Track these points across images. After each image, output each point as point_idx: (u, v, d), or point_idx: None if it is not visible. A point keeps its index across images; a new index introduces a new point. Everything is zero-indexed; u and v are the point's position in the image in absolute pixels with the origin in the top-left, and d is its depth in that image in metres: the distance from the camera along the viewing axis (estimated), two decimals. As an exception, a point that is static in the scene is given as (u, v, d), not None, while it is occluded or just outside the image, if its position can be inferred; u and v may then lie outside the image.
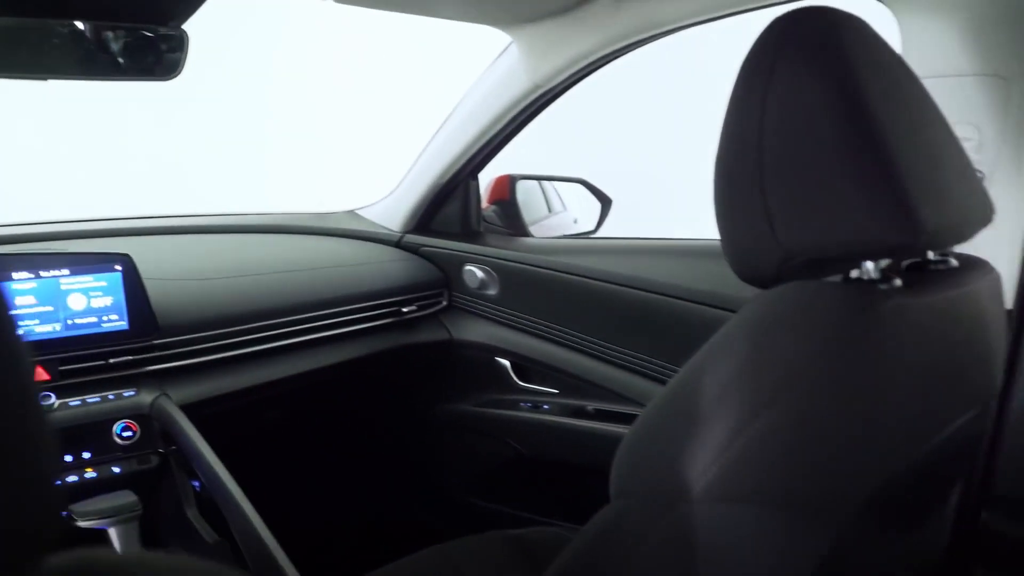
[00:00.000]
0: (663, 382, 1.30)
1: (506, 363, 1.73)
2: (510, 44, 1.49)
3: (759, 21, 0.70)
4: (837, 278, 0.67)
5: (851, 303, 0.62)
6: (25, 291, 1.20)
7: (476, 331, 1.77)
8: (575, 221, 2.00)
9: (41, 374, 1.21)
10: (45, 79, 1.00)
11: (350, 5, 1.22)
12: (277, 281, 1.56)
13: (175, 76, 1.06)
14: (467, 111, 1.62)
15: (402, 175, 1.83)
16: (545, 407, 1.67)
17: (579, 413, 1.61)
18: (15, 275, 1.19)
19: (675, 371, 0.69)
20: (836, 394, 0.60)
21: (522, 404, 1.70)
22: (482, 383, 1.78)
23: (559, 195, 2.05)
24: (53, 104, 2.95)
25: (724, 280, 1.04)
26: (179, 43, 1.03)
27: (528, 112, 1.56)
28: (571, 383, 1.63)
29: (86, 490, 1.19)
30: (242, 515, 1.15)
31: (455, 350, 1.78)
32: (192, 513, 1.26)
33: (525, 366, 1.71)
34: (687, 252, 1.48)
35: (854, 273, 0.66)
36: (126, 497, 1.17)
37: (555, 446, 1.63)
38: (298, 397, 1.63)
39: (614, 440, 0.72)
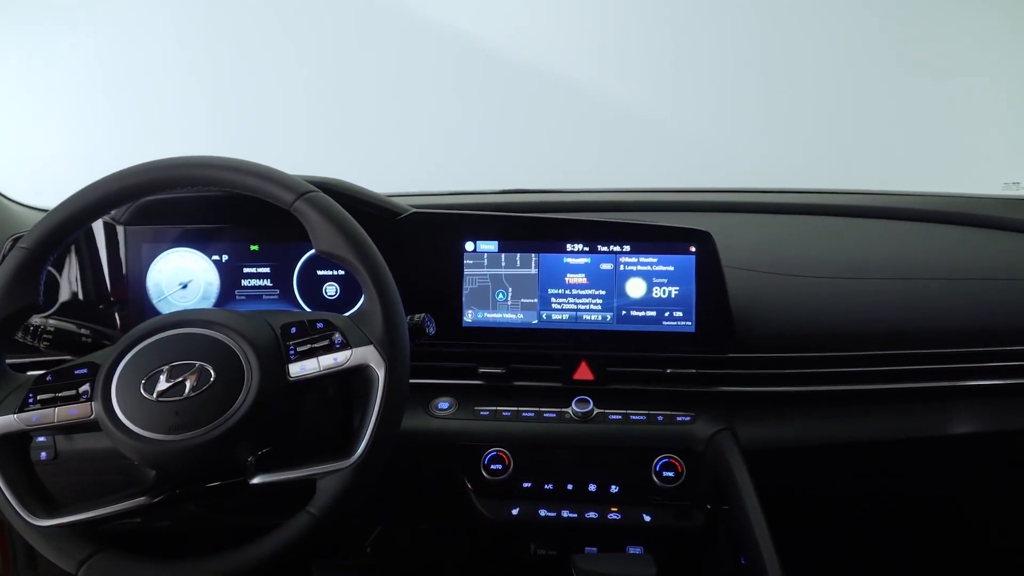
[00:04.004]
0: None
1: None
2: None
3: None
4: None
5: None
6: (577, 267, 0.97)
7: None
8: None
9: (584, 372, 0.97)
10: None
11: None
12: (923, 291, 1.04)
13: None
14: None
15: None
16: None
17: None
18: (569, 246, 0.97)
19: None
20: None
21: None
22: None
23: None
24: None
25: None
26: None
27: None
28: None
29: (600, 532, 0.92)
30: None
31: None
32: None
33: None
34: None
35: None
36: (645, 567, 0.84)
37: None
38: (911, 468, 1.07)
39: None
